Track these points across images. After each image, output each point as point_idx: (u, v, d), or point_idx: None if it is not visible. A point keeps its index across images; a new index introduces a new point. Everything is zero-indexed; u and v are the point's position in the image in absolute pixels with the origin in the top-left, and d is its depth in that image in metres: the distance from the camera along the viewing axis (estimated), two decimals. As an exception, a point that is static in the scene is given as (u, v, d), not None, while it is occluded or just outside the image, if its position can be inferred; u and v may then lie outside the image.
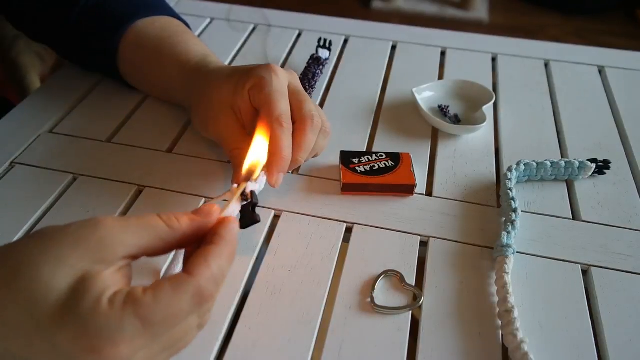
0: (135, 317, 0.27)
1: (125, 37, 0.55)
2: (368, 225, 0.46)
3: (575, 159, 0.51)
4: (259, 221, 0.39)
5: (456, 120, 0.58)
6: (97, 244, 0.28)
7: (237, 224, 0.34)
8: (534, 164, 0.50)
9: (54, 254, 0.28)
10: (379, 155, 0.51)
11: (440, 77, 0.68)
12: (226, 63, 0.68)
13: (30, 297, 0.27)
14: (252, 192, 0.40)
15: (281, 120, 0.44)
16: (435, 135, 0.57)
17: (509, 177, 0.49)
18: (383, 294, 0.41)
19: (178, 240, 0.31)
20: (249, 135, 0.46)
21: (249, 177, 0.41)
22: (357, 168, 0.50)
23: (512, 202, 0.46)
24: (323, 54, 0.68)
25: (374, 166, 0.50)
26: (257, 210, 0.40)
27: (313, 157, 0.51)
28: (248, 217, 0.39)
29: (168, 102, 0.59)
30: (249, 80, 0.46)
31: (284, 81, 0.47)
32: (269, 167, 0.43)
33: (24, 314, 0.27)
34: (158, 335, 0.29)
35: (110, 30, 0.55)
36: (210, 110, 0.48)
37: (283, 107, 0.45)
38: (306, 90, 0.59)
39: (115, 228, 0.29)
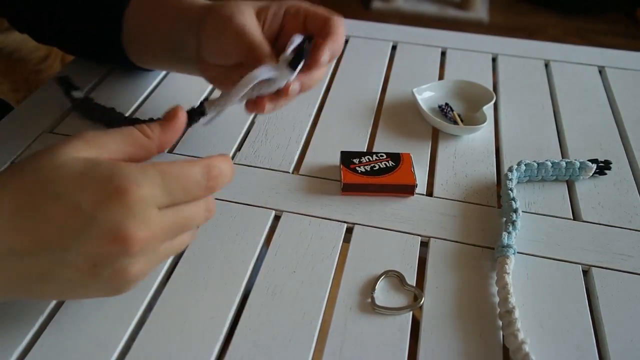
0: (154, 170, 0.31)
1: (128, 9, 0.54)
2: (368, 226, 0.46)
3: (576, 160, 0.51)
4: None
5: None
6: (87, 147, 0.32)
7: None
8: (535, 164, 0.50)
9: (54, 155, 0.31)
10: (379, 155, 0.51)
11: (441, 77, 0.68)
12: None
13: (45, 176, 0.31)
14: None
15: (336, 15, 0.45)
16: (435, 136, 0.57)
17: (510, 177, 0.49)
18: (384, 295, 0.41)
19: (156, 146, 0.35)
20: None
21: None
22: (357, 168, 0.50)
23: (513, 203, 0.46)
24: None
25: (375, 166, 0.50)
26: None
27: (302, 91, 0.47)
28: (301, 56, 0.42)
29: (175, 61, 0.56)
30: (290, 6, 0.47)
31: None
32: (323, 47, 0.44)
33: (41, 193, 0.30)
34: (173, 193, 0.32)
35: (112, 9, 0.54)
36: (238, 10, 0.46)
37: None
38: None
39: (98, 136, 0.33)
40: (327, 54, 0.44)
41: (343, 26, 0.45)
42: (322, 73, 0.47)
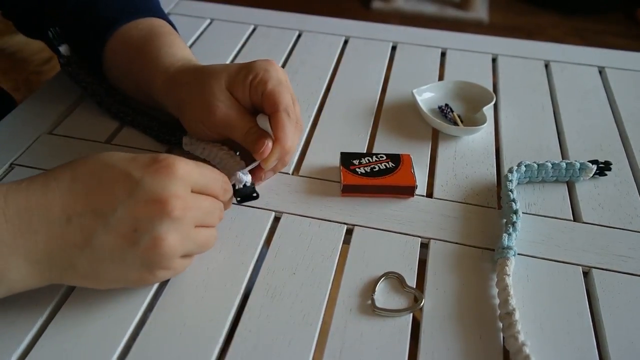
0: (192, 161, 0.38)
1: (109, 42, 0.54)
2: (368, 227, 0.46)
3: (576, 160, 0.51)
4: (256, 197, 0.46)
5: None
6: None
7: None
8: (535, 165, 0.50)
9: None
10: (379, 156, 0.51)
11: (441, 77, 0.68)
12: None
13: (103, 155, 0.37)
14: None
15: (288, 111, 0.45)
16: (435, 137, 0.57)
17: (510, 178, 0.49)
18: (384, 296, 0.41)
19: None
20: (254, 115, 0.47)
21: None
22: (357, 169, 0.50)
23: (513, 204, 0.46)
24: None
25: (375, 167, 0.50)
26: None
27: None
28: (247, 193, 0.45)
29: (152, 106, 0.58)
30: (250, 72, 0.46)
31: (283, 76, 0.47)
32: (271, 153, 0.44)
33: (97, 165, 0.36)
34: (204, 181, 0.38)
35: (95, 36, 0.55)
36: (214, 99, 0.46)
37: (288, 99, 0.45)
38: None
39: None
40: (272, 163, 0.45)
41: (291, 126, 0.44)
42: (290, 154, 0.47)
